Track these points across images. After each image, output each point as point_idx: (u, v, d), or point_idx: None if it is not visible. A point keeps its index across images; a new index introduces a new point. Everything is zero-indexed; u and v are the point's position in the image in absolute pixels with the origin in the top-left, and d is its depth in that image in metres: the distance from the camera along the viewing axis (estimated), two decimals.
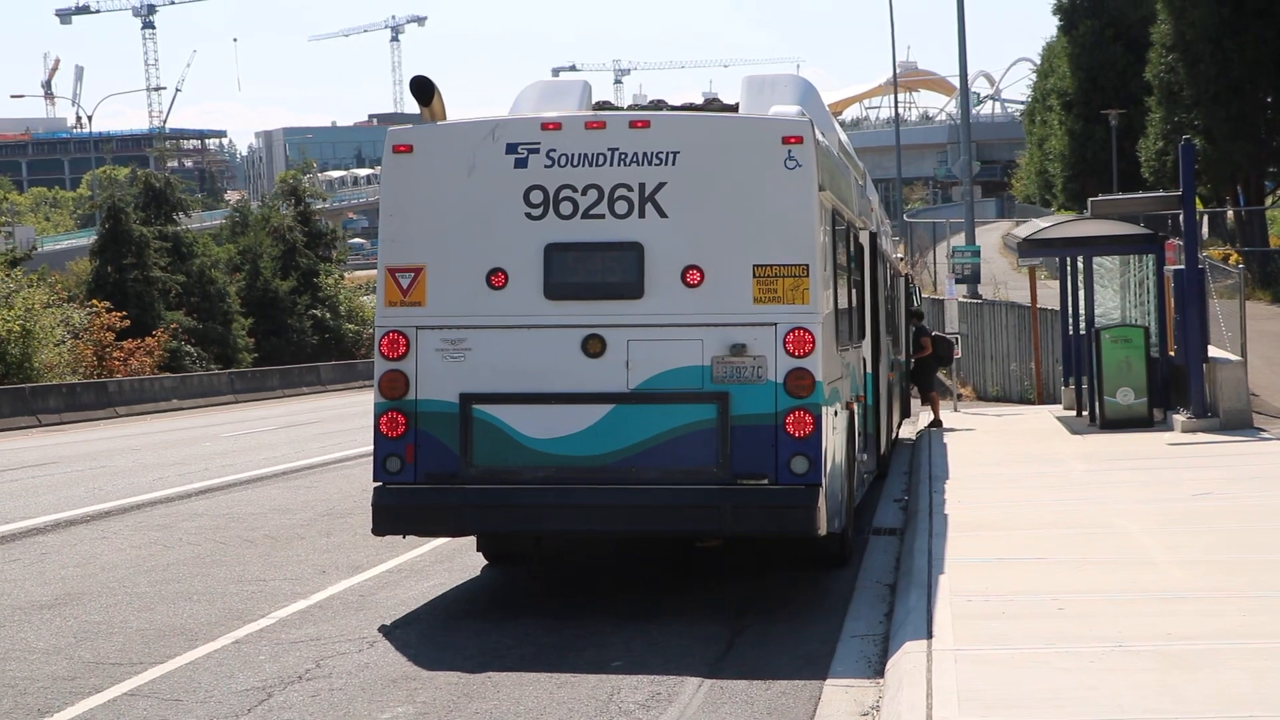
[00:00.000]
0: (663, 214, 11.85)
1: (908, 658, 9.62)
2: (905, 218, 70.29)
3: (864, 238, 17.22)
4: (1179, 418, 23.19)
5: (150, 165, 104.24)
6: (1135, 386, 24.41)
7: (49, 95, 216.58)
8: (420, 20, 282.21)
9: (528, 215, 11.96)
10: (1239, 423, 22.74)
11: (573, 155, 11.93)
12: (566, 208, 11.92)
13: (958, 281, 40.36)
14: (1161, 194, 34.10)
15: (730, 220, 11.81)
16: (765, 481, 11.63)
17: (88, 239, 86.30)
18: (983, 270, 44.12)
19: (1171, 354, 24.80)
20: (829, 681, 9.89)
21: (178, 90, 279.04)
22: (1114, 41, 69.51)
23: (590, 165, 11.91)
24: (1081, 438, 23.81)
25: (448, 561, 14.70)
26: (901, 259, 29.84)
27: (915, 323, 29.34)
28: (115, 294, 59.25)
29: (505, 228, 11.98)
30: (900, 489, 19.70)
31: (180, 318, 62.00)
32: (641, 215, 11.86)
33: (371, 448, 12.35)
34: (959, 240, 47.64)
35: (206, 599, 13.17)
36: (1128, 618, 10.22)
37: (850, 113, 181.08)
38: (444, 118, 12.53)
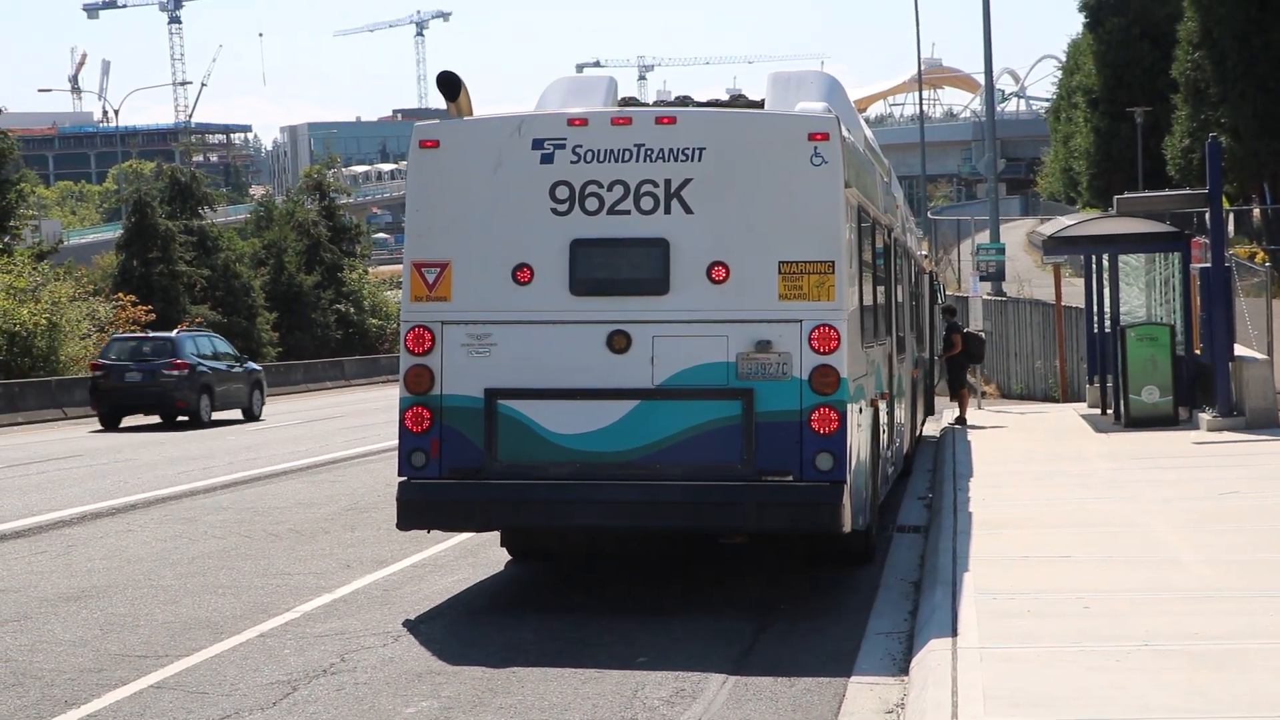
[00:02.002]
0: (688, 210, 11.83)
1: (933, 655, 9.60)
2: (929, 215, 70.14)
3: (889, 235, 17.19)
4: (1205, 416, 23.11)
5: (176, 159, 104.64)
6: (1161, 385, 24.34)
7: (76, 90, 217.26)
8: (445, 16, 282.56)
9: (554, 211, 11.96)
10: (1265, 421, 22.64)
11: (599, 151, 11.93)
12: (592, 203, 11.92)
13: (982, 279, 40.29)
14: (1187, 191, 34.02)
15: (756, 216, 11.79)
16: (790, 478, 11.61)
17: (114, 233, 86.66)
18: (1007, 268, 44.06)
19: (1197, 352, 24.72)
20: (853, 679, 9.88)
21: (203, 85, 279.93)
22: (1140, 39, 69.36)
23: (616, 161, 11.90)
24: (1106, 436, 23.74)
25: (471, 556, 14.72)
26: (926, 256, 29.74)
27: (948, 319, 29.28)
28: (141, 287, 59.45)
29: (531, 223, 11.98)
30: (924, 486, 19.68)
31: (205, 312, 62.16)
32: (667, 211, 11.85)
33: (396, 442, 12.38)
34: (983, 238, 47.56)
35: (232, 592, 13.21)
36: (1154, 616, 10.18)
37: (874, 109, 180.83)
38: (470, 113, 12.54)
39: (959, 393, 28.85)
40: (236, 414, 38.09)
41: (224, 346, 39.25)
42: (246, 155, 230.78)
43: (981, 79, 60.35)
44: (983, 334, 31.33)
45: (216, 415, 36.72)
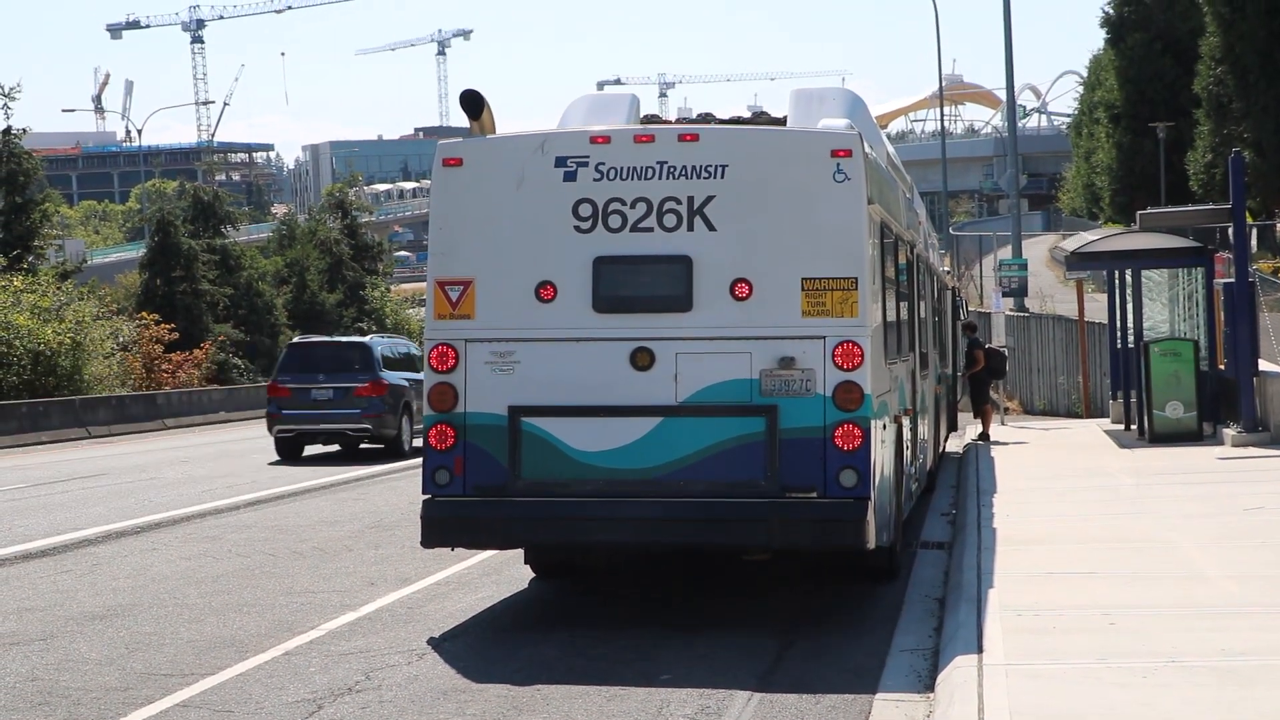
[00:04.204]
0: (711, 227, 11.84)
1: (958, 672, 9.58)
2: (951, 230, 70.10)
3: (911, 251, 17.17)
4: (1229, 432, 23.03)
5: (198, 179, 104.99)
6: (1184, 400, 24.26)
7: (99, 109, 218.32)
8: (466, 34, 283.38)
9: (576, 228, 11.97)
10: None
11: (621, 168, 11.94)
12: (615, 221, 11.93)
13: (1004, 294, 40.25)
14: (1210, 207, 33.95)
15: (779, 233, 11.79)
16: (814, 495, 11.60)
17: (137, 252, 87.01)
18: (1029, 283, 43.99)
19: (1221, 367, 24.65)
20: (879, 696, 9.85)
21: (226, 104, 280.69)
22: (1162, 54, 69.28)
23: (639, 178, 11.92)
24: (1130, 451, 23.67)
25: (496, 574, 14.73)
26: (948, 272, 29.74)
27: (969, 335, 29.22)
28: (164, 306, 59.69)
29: (554, 241, 12.00)
30: (948, 503, 19.64)
31: (228, 330, 62.43)
32: (690, 228, 11.86)
33: (419, 460, 12.38)
34: (1005, 253, 47.50)
35: (256, 610, 13.23)
36: (1180, 633, 10.14)
37: (895, 125, 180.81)
38: (493, 131, 12.57)
39: (982, 409, 28.80)
40: None
41: None
42: (269, 174, 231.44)
43: (1003, 95, 60.29)
44: (1004, 350, 31.29)
45: None
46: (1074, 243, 28.85)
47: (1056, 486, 19.60)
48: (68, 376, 45.63)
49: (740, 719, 9.43)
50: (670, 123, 13.84)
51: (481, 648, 11.57)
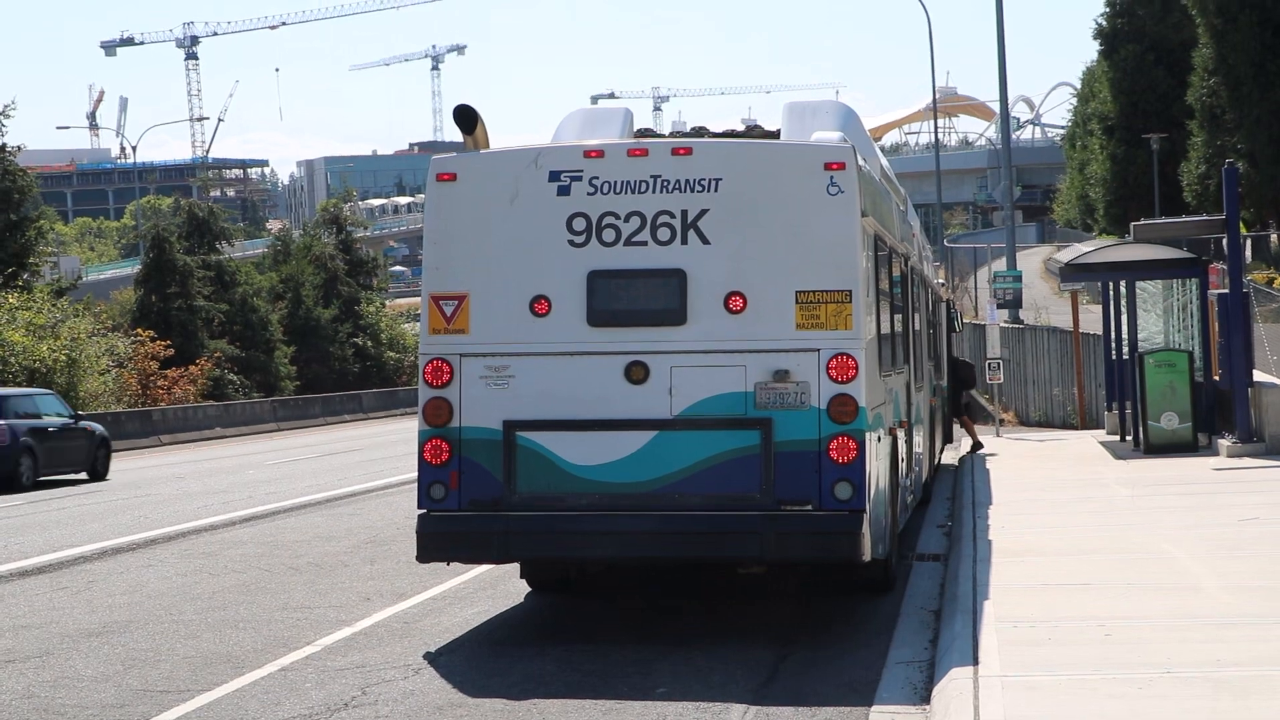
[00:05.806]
0: (705, 240, 11.87)
1: (954, 684, 9.58)
2: (945, 243, 70.12)
3: (905, 263, 17.19)
4: (1224, 442, 23.04)
5: (193, 195, 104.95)
6: (1179, 411, 24.28)
7: (94, 126, 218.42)
8: (460, 49, 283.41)
9: (571, 243, 11.99)
10: None
11: (615, 183, 11.97)
12: (609, 235, 11.95)
13: (999, 306, 40.27)
14: (1205, 218, 34.03)
15: (773, 246, 11.82)
16: (809, 508, 11.61)
17: (132, 268, 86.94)
18: (1024, 295, 44.04)
19: (1216, 378, 24.66)
20: (875, 708, 9.85)
21: (220, 120, 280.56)
22: (1155, 65, 69.43)
23: (633, 192, 11.94)
24: (1125, 463, 23.68)
25: (491, 588, 14.72)
26: (942, 284, 29.76)
27: None
28: (159, 323, 59.63)
29: (548, 255, 12.02)
30: (943, 514, 19.65)
31: (223, 346, 62.36)
32: (684, 242, 11.88)
33: (414, 475, 12.39)
34: (1000, 265, 47.57)
35: (252, 626, 13.23)
36: (1176, 643, 10.15)
37: (889, 138, 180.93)
38: (487, 146, 12.59)
39: (962, 420, 28.81)
40: None
41: None
42: (263, 190, 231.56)
43: (996, 107, 60.44)
44: (998, 360, 31.28)
45: None
46: (1068, 254, 28.91)
47: (1052, 498, 19.60)
48: (63, 393, 45.52)
49: None
50: (664, 136, 13.86)
51: (477, 662, 11.57)
